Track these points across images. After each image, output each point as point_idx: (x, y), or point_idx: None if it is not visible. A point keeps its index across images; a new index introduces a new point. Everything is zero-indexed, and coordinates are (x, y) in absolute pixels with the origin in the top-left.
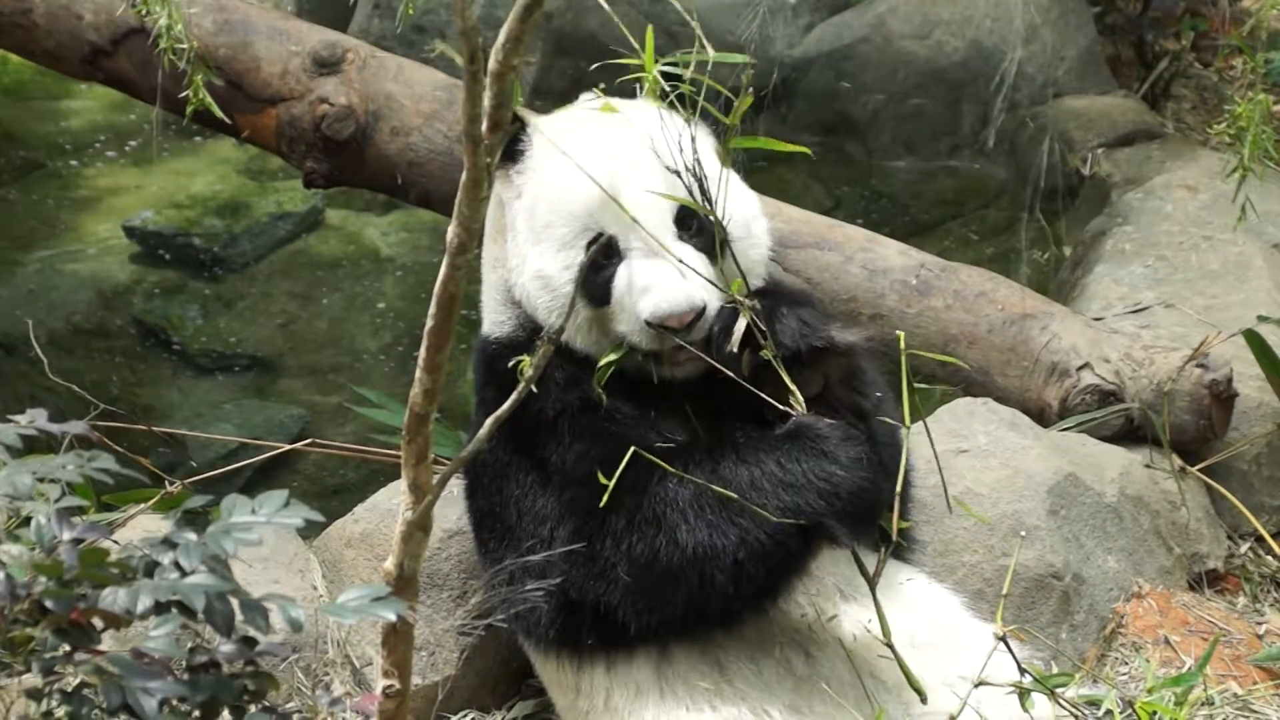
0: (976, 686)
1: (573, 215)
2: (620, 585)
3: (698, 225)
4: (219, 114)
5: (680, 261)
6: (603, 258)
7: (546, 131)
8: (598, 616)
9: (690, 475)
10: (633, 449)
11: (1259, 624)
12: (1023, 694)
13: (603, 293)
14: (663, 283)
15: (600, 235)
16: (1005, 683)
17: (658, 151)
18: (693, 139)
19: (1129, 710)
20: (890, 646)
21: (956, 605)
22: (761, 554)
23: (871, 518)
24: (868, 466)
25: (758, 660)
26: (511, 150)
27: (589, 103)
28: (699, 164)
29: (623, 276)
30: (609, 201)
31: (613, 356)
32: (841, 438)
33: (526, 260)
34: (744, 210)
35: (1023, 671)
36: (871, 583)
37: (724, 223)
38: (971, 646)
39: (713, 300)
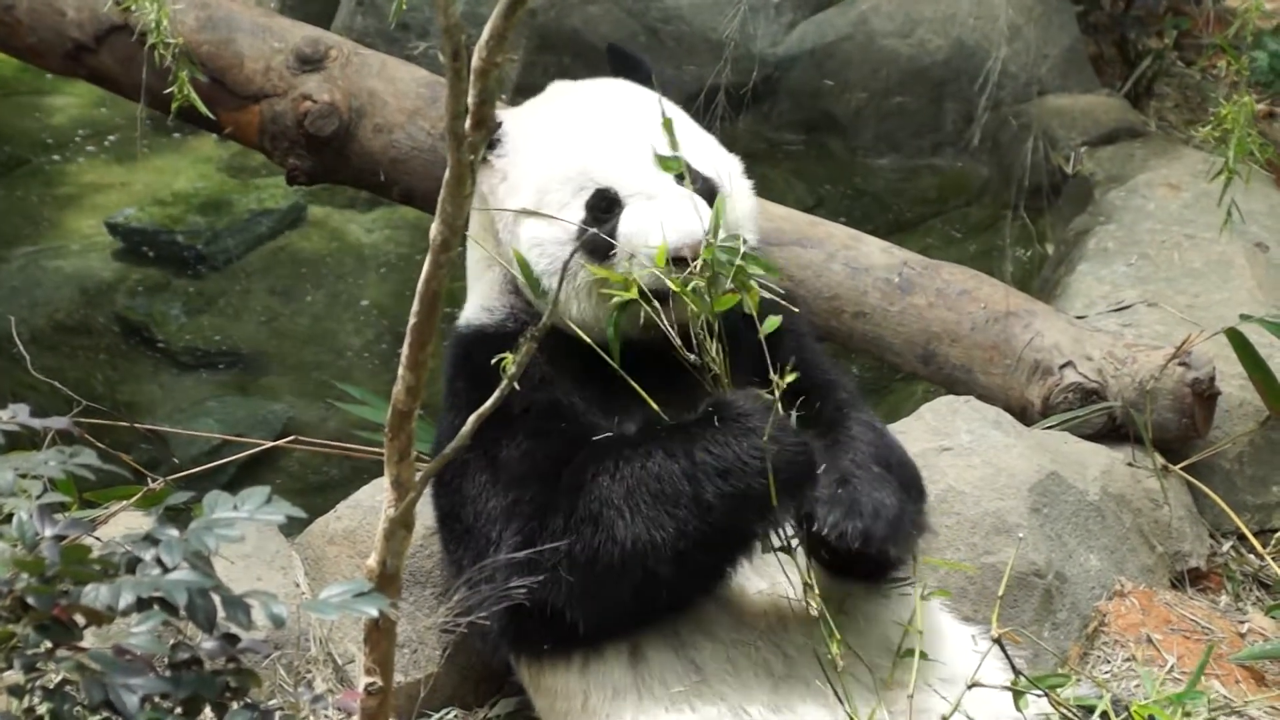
0: (970, 688)
1: (566, 177)
2: (564, 586)
3: (685, 175)
4: (204, 110)
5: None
6: (602, 210)
7: (519, 115)
8: (545, 620)
9: (621, 472)
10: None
11: (1241, 622)
12: (1017, 695)
13: (607, 243)
14: (674, 215)
15: (597, 189)
16: (1000, 684)
17: (637, 111)
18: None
19: (1125, 714)
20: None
21: (935, 604)
22: (704, 541)
23: (807, 483)
24: (794, 433)
25: (734, 661)
26: (489, 140)
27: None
28: (673, 121)
29: (629, 220)
30: (602, 155)
31: (625, 297)
32: (763, 410)
33: (520, 235)
34: (727, 165)
35: (1017, 673)
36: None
37: (710, 175)
38: (952, 647)
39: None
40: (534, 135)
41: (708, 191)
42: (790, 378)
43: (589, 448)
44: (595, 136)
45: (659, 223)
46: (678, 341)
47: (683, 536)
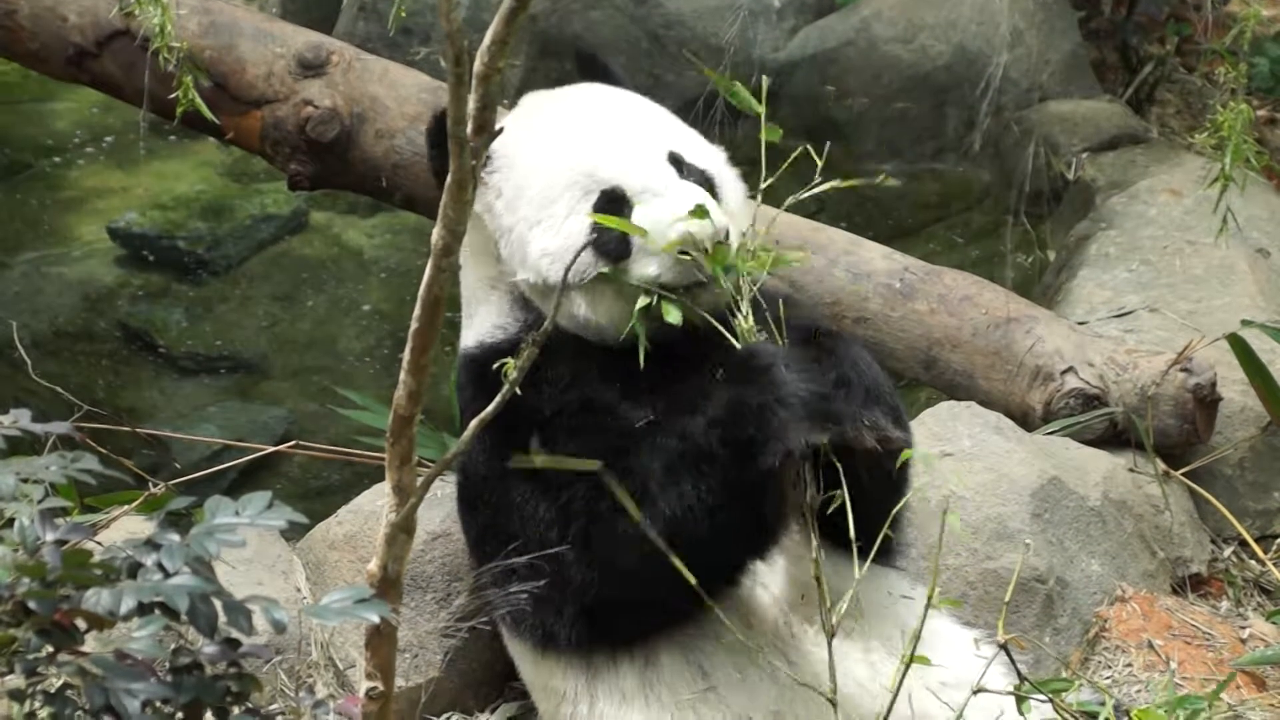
0: (976, 694)
1: (570, 181)
2: (608, 569)
3: (685, 168)
4: (209, 115)
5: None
6: (612, 211)
7: (508, 125)
8: (583, 611)
9: (658, 443)
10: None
11: (1242, 628)
12: (1020, 700)
13: (621, 243)
14: (689, 206)
15: (603, 190)
16: (1003, 689)
17: (627, 111)
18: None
19: (1126, 719)
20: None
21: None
22: (738, 495)
23: (825, 414)
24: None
25: (742, 668)
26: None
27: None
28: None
29: (644, 216)
30: (605, 155)
31: (643, 301)
32: (781, 354)
33: (529, 248)
34: (716, 159)
35: (1022, 678)
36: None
37: (703, 167)
38: (953, 651)
39: (731, 226)
40: (525, 147)
41: (705, 183)
42: None
43: (632, 429)
44: (593, 139)
45: (674, 215)
46: (720, 328)
47: (712, 493)
